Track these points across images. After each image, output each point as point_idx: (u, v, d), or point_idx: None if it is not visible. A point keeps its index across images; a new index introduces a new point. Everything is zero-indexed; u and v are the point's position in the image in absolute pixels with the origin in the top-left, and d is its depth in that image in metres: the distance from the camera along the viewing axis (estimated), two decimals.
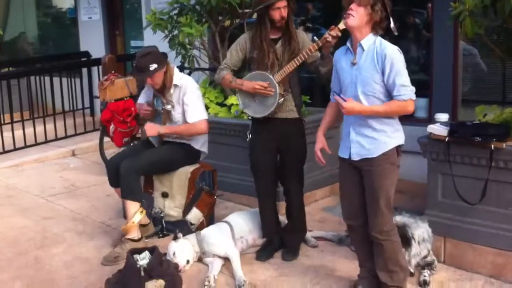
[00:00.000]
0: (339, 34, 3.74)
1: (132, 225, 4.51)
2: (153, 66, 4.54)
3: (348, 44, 3.50)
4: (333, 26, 3.75)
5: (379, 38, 3.40)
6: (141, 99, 5.08)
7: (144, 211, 4.60)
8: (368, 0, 3.31)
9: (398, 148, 3.46)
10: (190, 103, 4.68)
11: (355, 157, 3.50)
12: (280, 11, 4.09)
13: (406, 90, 3.30)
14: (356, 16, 3.34)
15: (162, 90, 4.70)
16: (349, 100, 3.38)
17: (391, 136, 3.44)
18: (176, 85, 4.71)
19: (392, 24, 3.39)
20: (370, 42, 3.38)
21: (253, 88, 4.14)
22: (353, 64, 3.44)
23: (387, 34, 3.48)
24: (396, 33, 3.44)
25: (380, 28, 3.40)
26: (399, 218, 4.00)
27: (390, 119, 3.43)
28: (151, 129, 4.72)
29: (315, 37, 4.33)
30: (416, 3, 6.55)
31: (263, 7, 4.09)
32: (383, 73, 3.32)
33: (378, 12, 3.33)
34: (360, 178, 3.53)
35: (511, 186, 3.82)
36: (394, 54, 3.30)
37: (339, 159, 3.66)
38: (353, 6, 3.35)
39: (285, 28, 4.18)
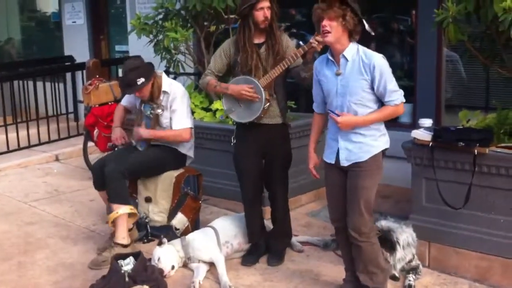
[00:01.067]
0: (320, 41, 3.77)
1: (117, 215, 4.45)
2: (141, 81, 4.54)
3: (328, 55, 3.52)
4: (316, 32, 3.77)
5: (361, 47, 3.44)
6: (124, 102, 5.06)
7: (135, 210, 4.57)
8: (338, 12, 3.34)
9: (383, 151, 3.53)
10: (177, 110, 4.67)
11: (344, 163, 3.52)
12: (264, 11, 4.10)
13: (397, 95, 3.39)
14: (332, 31, 3.37)
15: (155, 97, 4.69)
16: (342, 114, 3.42)
17: (378, 140, 3.49)
18: (165, 92, 4.70)
19: (366, 26, 3.42)
20: (353, 51, 3.42)
21: (240, 92, 4.14)
22: (337, 74, 3.46)
23: (366, 38, 3.51)
24: (372, 33, 3.48)
25: (356, 34, 3.43)
26: (384, 223, 4.02)
27: (376, 124, 3.48)
28: (135, 134, 4.75)
29: (300, 42, 4.35)
30: (400, 10, 6.61)
31: (247, 8, 4.11)
32: (372, 82, 3.37)
33: (350, 20, 3.36)
34: (346, 179, 3.56)
35: (495, 190, 3.86)
36: (382, 63, 3.36)
37: (324, 163, 3.67)
38: (325, 22, 3.36)
39: (269, 32, 4.19)
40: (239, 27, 4.25)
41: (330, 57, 3.50)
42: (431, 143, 3.98)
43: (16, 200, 6.17)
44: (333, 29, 3.36)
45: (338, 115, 3.42)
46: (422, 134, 4.08)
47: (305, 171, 5.62)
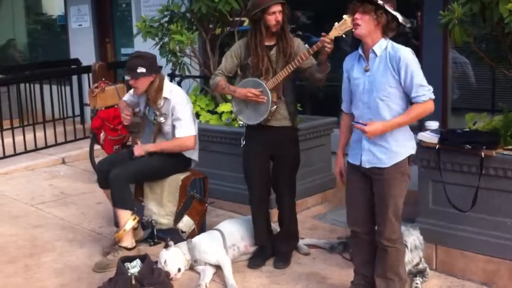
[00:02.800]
0: (331, 41, 3.76)
1: (124, 233, 4.49)
2: (141, 70, 4.53)
3: (360, 51, 3.48)
4: (323, 33, 3.77)
5: (390, 42, 3.40)
6: (126, 98, 5.06)
7: (137, 218, 4.58)
8: (370, 7, 3.30)
9: (409, 158, 3.44)
10: (179, 118, 4.64)
11: (366, 165, 3.46)
12: (276, 15, 4.10)
13: (424, 90, 3.28)
14: (363, 25, 3.34)
15: (153, 99, 4.67)
16: (369, 124, 3.32)
17: (403, 145, 3.41)
18: (166, 98, 4.68)
19: (401, 19, 3.35)
20: (383, 47, 3.37)
21: (245, 95, 4.15)
22: (366, 70, 3.42)
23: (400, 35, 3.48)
24: (408, 25, 3.41)
25: (390, 30, 3.38)
26: None
27: (402, 129, 3.40)
28: (139, 149, 4.72)
29: (306, 45, 4.35)
30: (405, 12, 6.56)
31: (259, 12, 4.11)
32: (399, 76, 3.30)
33: (383, 15, 3.32)
34: (368, 186, 3.51)
35: (501, 193, 3.84)
36: (408, 56, 3.30)
37: (347, 164, 3.63)
38: (357, 15, 3.34)
39: (281, 34, 4.19)
40: (251, 31, 4.25)
41: (361, 52, 3.46)
42: (437, 146, 3.97)
43: (23, 203, 6.19)
44: (364, 22, 3.33)
45: (365, 125, 3.31)
46: (429, 136, 4.07)
47: (311, 174, 5.66)
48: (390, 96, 3.34)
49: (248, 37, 4.28)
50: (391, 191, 3.40)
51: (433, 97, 3.32)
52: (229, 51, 4.38)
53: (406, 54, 3.31)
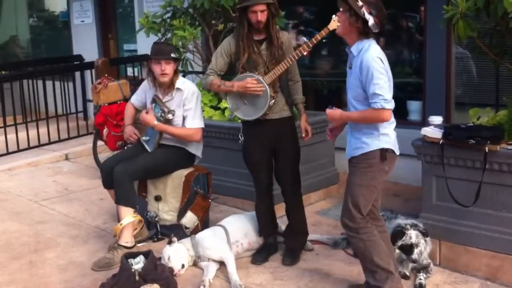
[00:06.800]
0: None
1: (120, 227, 4.49)
2: (174, 55, 4.62)
3: (346, 49, 3.55)
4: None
5: (368, 44, 3.39)
6: (133, 100, 5.05)
7: (138, 216, 4.59)
8: (346, 6, 3.36)
9: (382, 152, 3.45)
10: (191, 109, 4.67)
11: (347, 156, 3.60)
12: (257, 14, 4.09)
13: (377, 99, 3.29)
14: (341, 23, 3.43)
15: (167, 88, 4.68)
16: (334, 109, 3.56)
17: (375, 138, 3.45)
18: (178, 89, 4.70)
19: (370, 23, 3.34)
20: (359, 48, 3.41)
21: (245, 86, 4.13)
22: (350, 68, 3.50)
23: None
24: (375, 31, 3.39)
25: (365, 33, 3.39)
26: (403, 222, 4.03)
27: (382, 123, 3.44)
28: (147, 118, 4.65)
29: (304, 39, 4.38)
30: (409, 6, 6.58)
31: (240, 8, 4.14)
32: (362, 79, 3.35)
33: (353, 16, 3.34)
34: None
35: (505, 188, 3.83)
36: (372, 61, 3.30)
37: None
38: (338, 13, 3.44)
39: (266, 31, 4.20)
40: (237, 25, 4.28)
41: (347, 50, 3.52)
42: (441, 141, 3.96)
43: (27, 199, 6.20)
44: (342, 22, 3.43)
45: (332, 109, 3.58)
46: (432, 131, 4.06)
47: (314, 169, 5.66)
48: (360, 97, 3.42)
49: (234, 32, 4.29)
50: (352, 178, 3.53)
51: (388, 107, 3.32)
52: (219, 49, 4.37)
53: (370, 59, 3.32)
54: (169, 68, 4.59)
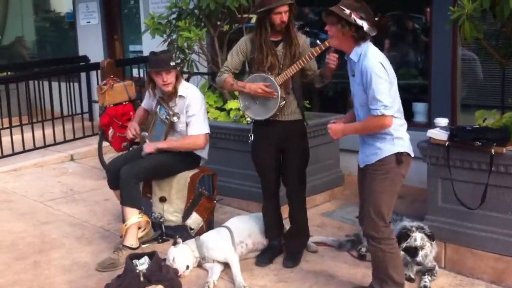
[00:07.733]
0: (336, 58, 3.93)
1: (125, 228, 4.49)
2: (173, 63, 4.61)
3: (345, 57, 3.54)
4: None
5: (366, 48, 3.38)
6: (144, 104, 5.08)
7: (144, 217, 4.59)
8: (334, 19, 3.35)
9: (398, 156, 3.41)
10: (193, 116, 4.67)
11: (361, 164, 3.56)
12: (281, 15, 4.09)
13: (377, 105, 3.26)
14: (334, 36, 3.42)
15: (170, 96, 4.68)
16: (337, 121, 3.56)
17: (389, 143, 3.41)
18: (181, 96, 4.70)
19: (365, 28, 3.32)
20: (358, 53, 3.39)
21: (256, 90, 4.14)
22: (352, 76, 3.49)
23: (381, 35, 3.48)
24: (372, 34, 3.38)
25: (360, 38, 3.37)
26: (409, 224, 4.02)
27: (394, 126, 3.39)
28: (149, 147, 4.72)
29: (317, 41, 4.37)
30: (414, 8, 6.56)
31: (264, 11, 4.10)
32: (364, 84, 3.34)
33: (346, 26, 3.33)
34: None
35: (511, 190, 3.81)
36: (372, 66, 3.28)
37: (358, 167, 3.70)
38: (327, 27, 3.44)
39: (286, 32, 4.19)
40: (256, 27, 4.24)
41: (346, 58, 3.51)
42: (447, 143, 3.95)
43: (32, 200, 6.21)
44: (334, 34, 3.41)
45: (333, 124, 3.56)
46: (438, 133, 4.04)
47: (319, 171, 5.64)
48: (365, 102, 3.39)
49: (253, 33, 4.28)
50: (371, 186, 3.44)
51: (388, 114, 3.28)
52: (235, 48, 4.37)
53: (370, 64, 3.29)
54: (170, 78, 4.61)
